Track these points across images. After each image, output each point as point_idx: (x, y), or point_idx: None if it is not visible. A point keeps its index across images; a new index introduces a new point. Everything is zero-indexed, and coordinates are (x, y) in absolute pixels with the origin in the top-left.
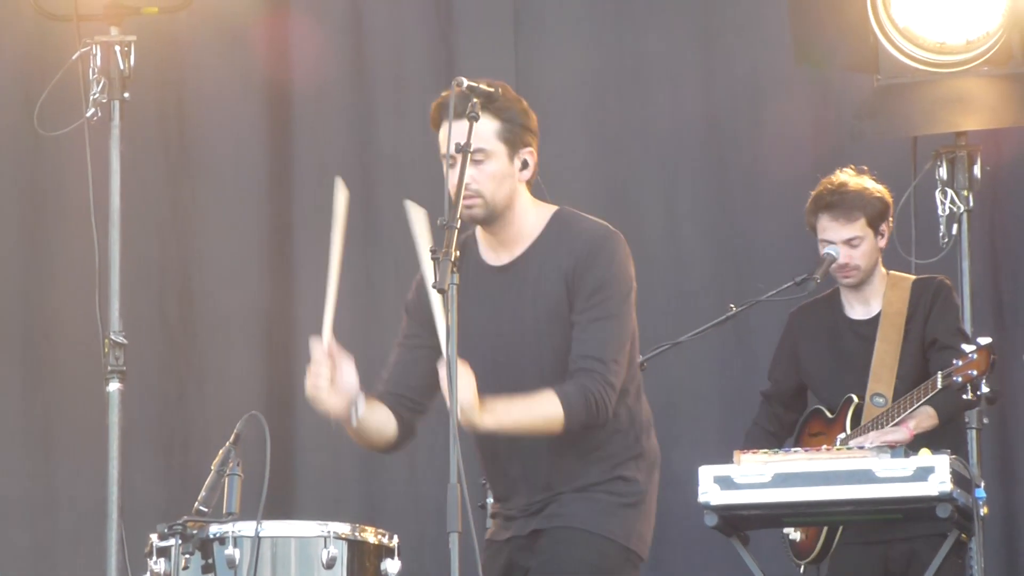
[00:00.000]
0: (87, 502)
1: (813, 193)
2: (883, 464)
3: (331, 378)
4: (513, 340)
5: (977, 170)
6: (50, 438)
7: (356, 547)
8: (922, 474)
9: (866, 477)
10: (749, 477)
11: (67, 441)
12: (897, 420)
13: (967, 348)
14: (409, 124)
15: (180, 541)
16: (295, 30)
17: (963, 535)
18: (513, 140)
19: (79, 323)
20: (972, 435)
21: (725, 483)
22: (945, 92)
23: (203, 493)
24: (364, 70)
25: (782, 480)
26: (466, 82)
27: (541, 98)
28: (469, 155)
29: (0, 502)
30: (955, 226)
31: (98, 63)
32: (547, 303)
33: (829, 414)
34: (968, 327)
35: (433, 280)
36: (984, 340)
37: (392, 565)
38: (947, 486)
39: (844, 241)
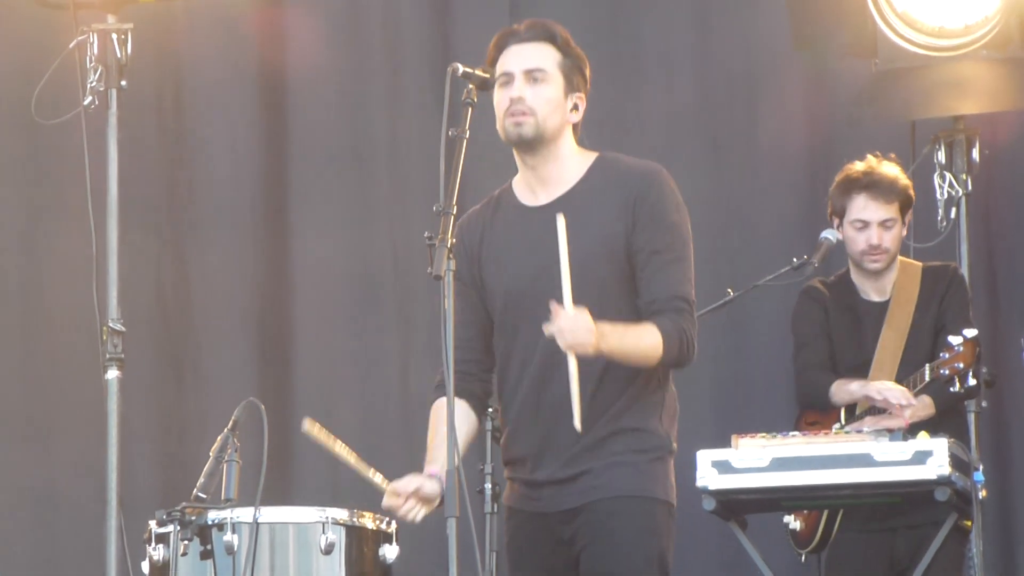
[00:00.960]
0: (86, 489)
1: (840, 177)
2: (881, 448)
3: (416, 504)
4: (555, 276)
5: (976, 154)
6: (48, 426)
7: (354, 532)
8: (920, 457)
9: (864, 461)
10: (747, 461)
11: (65, 429)
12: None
13: (954, 341)
14: (404, 112)
15: (179, 527)
16: (291, 18)
17: (966, 522)
18: (570, 77)
19: (76, 311)
20: (970, 418)
21: (723, 467)
22: (943, 76)
23: (201, 479)
24: (359, 58)
25: (780, 464)
26: (461, 68)
27: None
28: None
29: (0, 490)
30: (953, 210)
31: (95, 51)
32: (598, 236)
33: None
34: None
35: (429, 266)
36: (970, 332)
37: (390, 550)
38: (945, 469)
39: (880, 222)
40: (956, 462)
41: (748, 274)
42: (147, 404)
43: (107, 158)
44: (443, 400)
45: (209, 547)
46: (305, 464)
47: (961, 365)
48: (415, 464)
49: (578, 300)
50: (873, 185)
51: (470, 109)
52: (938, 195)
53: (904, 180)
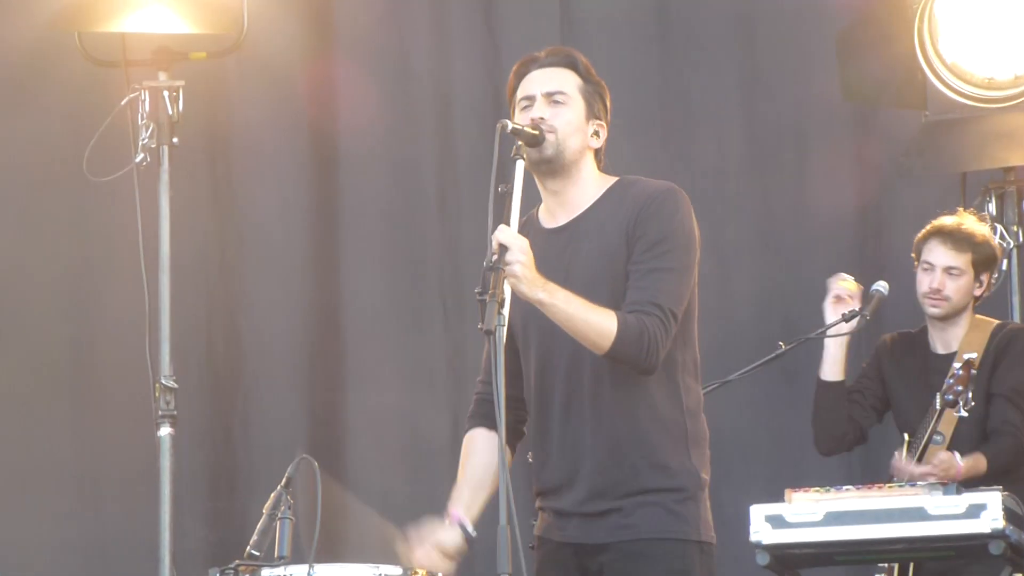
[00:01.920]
0: (137, 546)
1: (934, 221)
2: (935, 501)
3: (442, 555)
4: None
5: None
6: (101, 482)
7: None
8: (974, 511)
9: (918, 515)
10: (801, 516)
11: (117, 485)
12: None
13: (956, 366)
14: (456, 166)
15: None
16: (341, 74)
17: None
18: (591, 103)
19: (128, 367)
20: None
21: (776, 522)
22: (994, 127)
23: (255, 537)
24: (410, 112)
25: (834, 519)
26: (511, 124)
27: None
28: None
29: (52, 547)
30: (1005, 262)
31: (146, 108)
32: (603, 256)
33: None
34: None
35: (480, 322)
36: (969, 355)
37: None
38: (1000, 523)
39: (945, 268)
40: (1010, 515)
41: (800, 326)
42: (197, 460)
43: (159, 215)
44: (476, 432)
45: None
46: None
47: (960, 388)
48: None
49: None
50: (948, 233)
51: (519, 164)
52: None
53: (984, 236)
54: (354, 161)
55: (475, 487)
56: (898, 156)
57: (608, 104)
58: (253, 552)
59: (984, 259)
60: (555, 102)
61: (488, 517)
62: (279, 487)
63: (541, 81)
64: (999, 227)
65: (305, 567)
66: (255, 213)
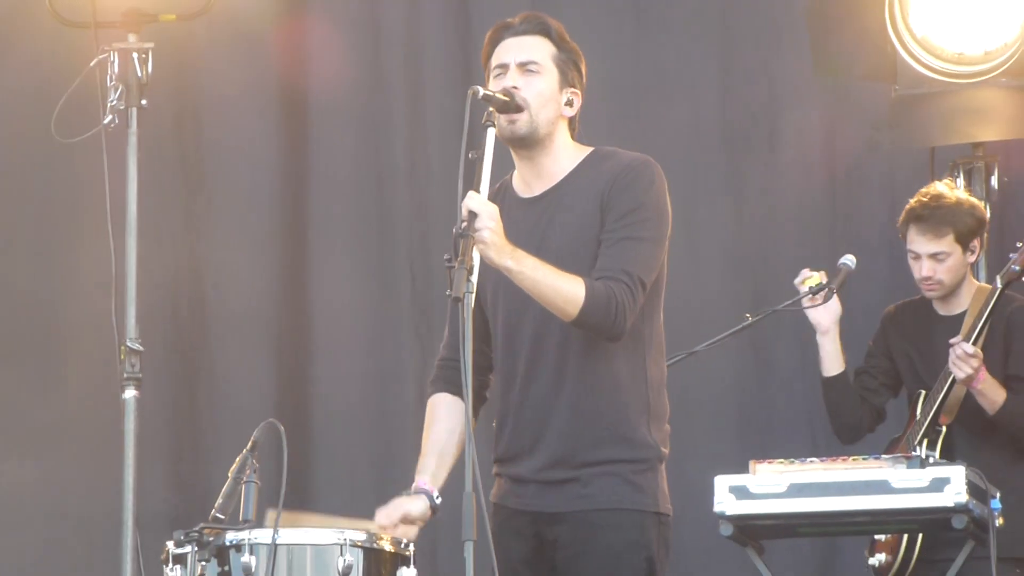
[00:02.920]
0: (102, 509)
1: (909, 203)
2: (899, 475)
3: (407, 529)
4: None
5: (995, 181)
6: (64, 444)
7: (372, 555)
8: (938, 485)
9: (882, 488)
10: (765, 487)
11: (81, 448)
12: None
13: (1020, 243)
14: (425, 131)
15: (196, 548)
16: (312, 36)
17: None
18: (565, 71)
19: (93, 329)
20: None
21: (741, 493)
22: (963, 103)
23: (220, 500)
24: (381, 77)
25: (798, 490)
26: (482, 91)
27: None
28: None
29: (14, 509)
30: None
31: (116, 70)
32: (578, 228)
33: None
34: None
35: (448, 289)
36: None
37: (408, 573)
38: (963, 497)
39: (929, 255)
40: (974, 489)
41: (768, 299)
42: (161, 423)
43: (127, 177)
44: (438, 397)
45: (227, 568)
46: (324, 486)
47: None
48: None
49: None
50: (924, 219)
51: (490, 131)
52: None
53: (967, 207)
54: (324, 125)
55: (440, 454)
56: (868, 130)
57: (583, 71)
58: (218, 515)
59: (968, 230)
60: (528, 71)
61: (453, 484)
62: (244, 451)
63: (515, 50)
64: None
65: (269, 531)
66: (223, 176)
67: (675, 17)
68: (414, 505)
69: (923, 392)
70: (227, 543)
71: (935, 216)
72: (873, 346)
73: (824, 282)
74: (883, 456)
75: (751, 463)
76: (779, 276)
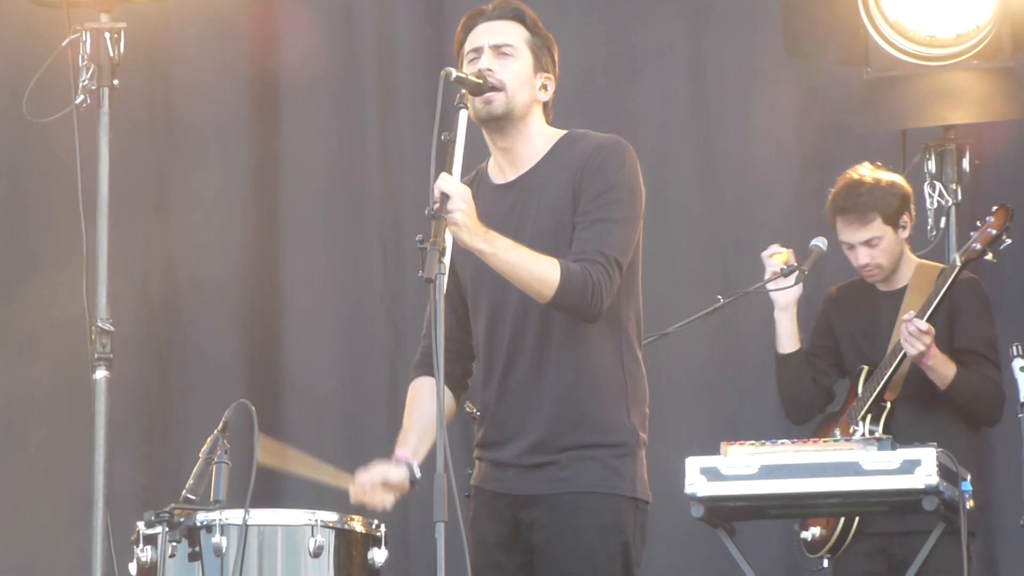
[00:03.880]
0: (71, 489)
1: (831, 192)
2: (870, 456)
3: (383, 494)
4: None
5: (966, 164)
6: (34, 424)
7: (343, 536)
8: (909, 467)
9: (852, 469)
10: (736, 469)
11: (52, 427)
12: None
13: (980, 223)
14: (397, 113)
15: (167, 529)
16: (283, 17)
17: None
18: (539, 56)
19: (64, 309)
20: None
21: (712, 474)
22: (934, 85)
23: (191, 481)
24: (353, 58)
25: (768, 472)
26: (455, 73)
27: None
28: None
29: None
30: (943, 219)
31: (87, 50)
32: (552, 212)
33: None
34: None
35: (421, 270)
36: (996, 206)
37: (379, 554)
38: (933, 479)
39: (862, 243)
40: (944, 472)
41: (739, 281)
42: (133, 404)
43: (98, 157)
44: (421, 380)
45: (197, 549)
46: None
47: (993, 231)
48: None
49: None
50: (847, 209)
51: (462, 113)
52: (928, 204)
53: (888, 187)
54: (295, 106)
55: (421, 432)
56: (839, 113)
57: (556, 58)
58: (189, 496)
59: (893, 210)
60: (503, 54)
61: (426, 466)
62: (216, 431)
63: (488, 33)
64: (938, 185)
65: (240, 511)
66: (195, 156)
67: (647, 0)
68: (394, 472)
69: (865, 368)
70: (198, 523)
71: (857, 204)
72: (817, 327)
73: (792, 261)
74: (854, 439)
75: (722, 444)
76: (750, 258)
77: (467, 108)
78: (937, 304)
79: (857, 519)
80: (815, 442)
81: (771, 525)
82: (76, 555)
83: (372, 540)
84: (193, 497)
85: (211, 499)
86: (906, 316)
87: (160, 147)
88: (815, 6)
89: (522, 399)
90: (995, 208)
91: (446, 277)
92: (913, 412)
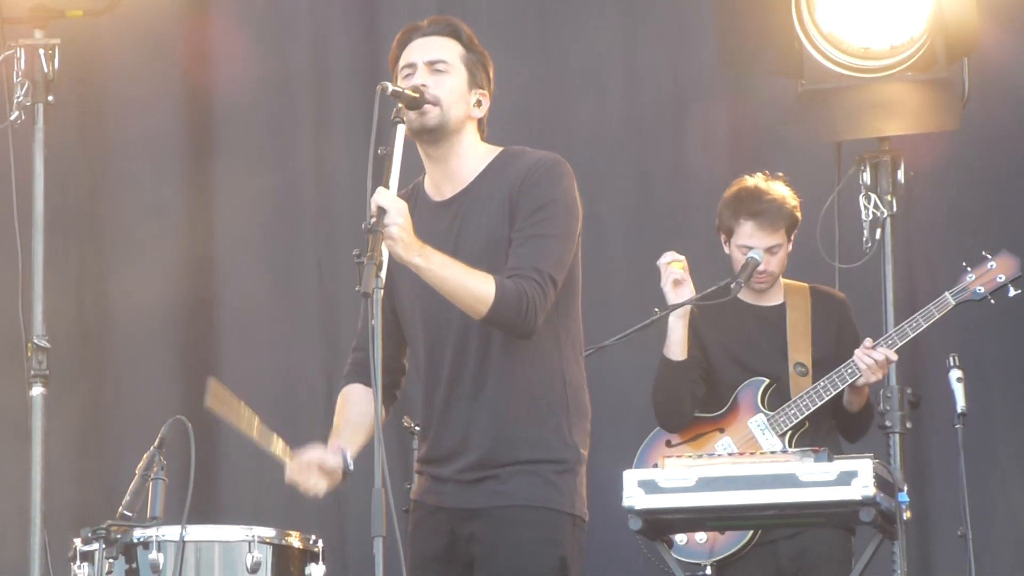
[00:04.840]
0: (9, 506)
1: (729, 195)
2: (806, 468)
3: (317, 475)
4: None
5: (901, 175)
6: None
7: (281, 551)
8: (846, 478)
9: (790, 481)
10: (673, 481)
11: None
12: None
13: (984, 258)
14: (332, 127)
15: (104, 545)
16: (216, 34)
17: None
18: (474, 72)
19: (0, 327)
20: (895, 439)
21: (649, 487)
22: (869, 97)
23: (127, 497)
24: (286, 74)
25: (706, 484)
26: (391, 87)
27: None
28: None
29: None
30: (878, 231)
31: (22, 66)
32: (489, 229)
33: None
34: (891, 330)
35: (357, 284)
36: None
37: (317, 570)
38: (870, 490)
39: (766, 248)
40: (881, 483)
41: None
42: (69, 420)
43: (33, 173)
44: (351, 387)
45: (135, 565)
46: (231, 482)
47: (1002, 277)
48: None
49: None
50: (761, 213)
51: (398, 127)
52: (863, 216)
53: (791, 202)
54: (229, 122)
55: (353, 430)
56: (774, 125)
57: (491, 74)
58: (125, 512)
59: (792, 223)
60: (437, 70)
61: (362, 481)
62: (152, 448)
63: (423, 49)
64: (873, 196)
65: (177, 527)
66: (129, 172)
67: (580, 11)
68: (330, 458)
69: (765, 381)
70: (135, 540)
71: (770, 210)
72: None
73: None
74: (791, 451)
75: (660, 457)
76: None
77: (403, 122)
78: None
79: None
80: (752, 455)
81: None
82: (12, 571)
83: (310, 556)
84: (130, 514)
85: (148, 515)
86: (866, 344)
87: (94, 162)
88: (750, 19)
89: (463, 418)
90: (993, 255)
91: (382, 292)
92: (821, 428)
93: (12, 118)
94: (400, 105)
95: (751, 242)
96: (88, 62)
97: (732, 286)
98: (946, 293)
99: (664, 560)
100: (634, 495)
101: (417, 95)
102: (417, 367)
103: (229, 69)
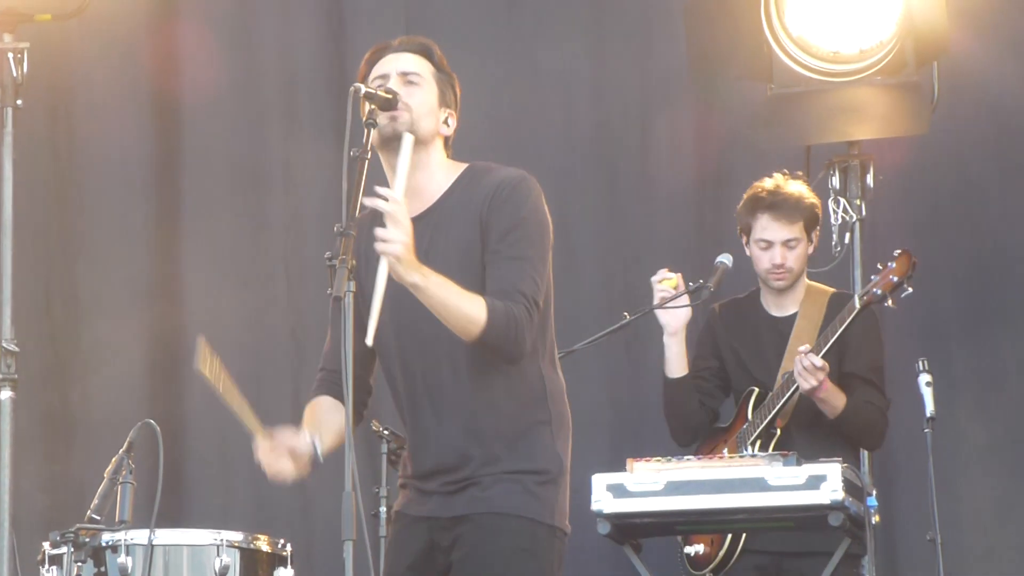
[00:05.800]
0: None
1: (748, 195)
2: (775, 472)
3: (286, 458)
4: None
5: (870, 179)
6: None
7: (249, 555)
8: (814, 483)
9: (758, 485)
10: (642, 485)
11: None
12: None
13: (881, 266)
14: (300, 131)
15: (72, 549)
16: (184, 38)
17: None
18: (444, 91)
19: None
20: None
21: (618, 491)
22: (838, 101)
23: (96, 501)
24: (254, 79)
25: (675, 488)
26: (364, 88)
27: None
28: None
29: None
30: (848, 235)
31: None
32: (459, 247)
33: (725, 423)
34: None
35: (328, 287)
36: (898, 250)
37: (285, 573)
38: (839, 495)
39: (783, 242)
40: (849, 487)
41: (643, 298)
42: (36, 424)
43: (1, 177)
44: (319, 399)
45: (103, 569)
46: (200, 487)
47: (895, 278)
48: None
49: None
50: (777, 205)
51: (371, 129)
52: (832, 220)
53: (810, 198)
54: (197, 125)
55: (323, 430)
56: (743, 129)
57: (458, 95)
58: (94, 516)
59: (813, 218)
60: (410, 82)
61: (332, 484)
62: (121, 452)
63: (395, 63)
64: (842, 200)
65: (146, 531)
66: (97, 176)
67: (550, 13)
68: (301, 444)
69: (756, 391)
70: (103, 544)
71: (788, 203)
72: (700, 347)
73: (681, 286)
74: (759, 455)
75: (628, 461)
76: (653, 273)
77: (376, 125)
78: (832, 342)
79: (744, 537)
80: (720, 458)
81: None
82: None
83: (278, 560)
84: (98, 517)
85: (116, 519)
86: (802, 348)
87: (62, 166)
88: (719, 23)
89: (444, 435)
90: (897, 253)
91: (352, 295)
92: (802, 439)
93: None
94: (373, 106)
95: (767, 235)
96: (57, 66)
97: (703, 291)
98: (855, 296)
99: (633, 565)
100: (602, 499)
101: (390, 96)
102: (394, 386)
103: (197, 73)
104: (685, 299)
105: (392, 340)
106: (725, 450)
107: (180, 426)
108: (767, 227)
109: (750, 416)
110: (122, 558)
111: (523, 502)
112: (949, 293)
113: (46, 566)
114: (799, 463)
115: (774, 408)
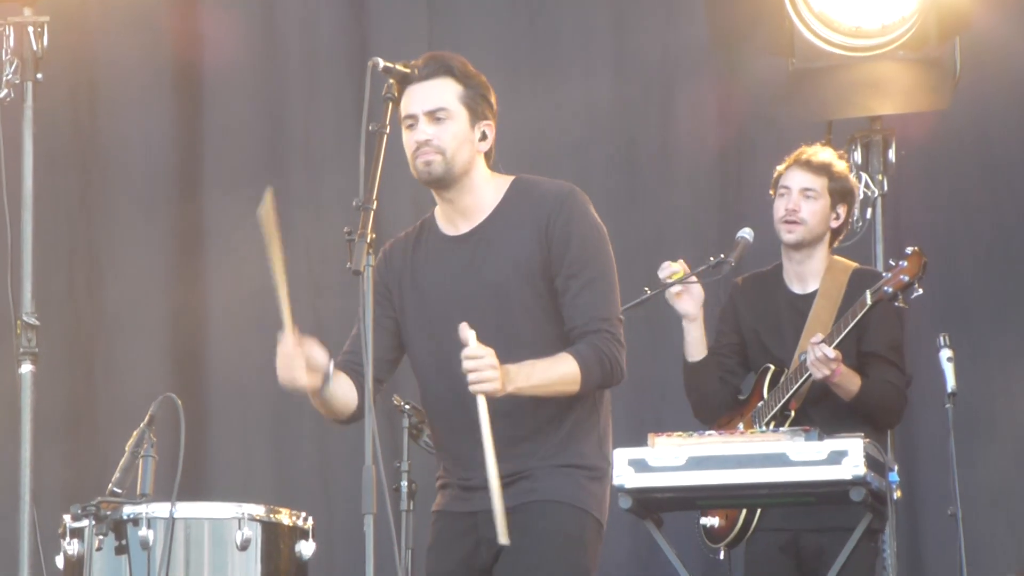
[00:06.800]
0: None
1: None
2: (797, 447)
3: (303, 362)
4: (478, 303)
5: (892, 154)
6: None
7: (271, 528)
8: (836, 458)
9: (780, 460)
10: (663, 460)
11: None
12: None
13: (893, 263)
14: (321, 106)
15: (94, 522)
16: (206, 13)
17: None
18: (475, 108)
19: None
20: None
21: (639, 466)
22: (860, 76)
23: (117, 474)
24: (275, 52)
25: (696, 463)
26: (382, 63)
27: None
28: (383, 136)
29: None
30: (869, 210)
31: (11, 44)
32: (517, 261)
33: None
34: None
35: (348, 261)
36: (911, 248)
37: (307, 547)
38: (861, 470)
39: (801, 189)
40: (871, 462)
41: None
42: (59, 398)
43: (22, 151)
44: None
45: (124, 542)
46: (221, 460)
47: (907, 277)
48: (327, 451)
49: (501, 327)
50: (806, 160)
51: (391, 104)
52: None
53: (840, 168)
54: (218, 98)
55: (345, 388)
56: (764, 104)
57: (493, 100)
58: (115, 489)
59: (840, 189)
60: (437, 119)
61: (353, 459)
62: (142, 425)
63: (421, 98)
64: (864, 176)
65: (167, 504)
66: (118, 150)
67: None
68: (318, 354)
69: (772, 368)
70: (124, 517)
71: (818, 160)
72: (722, 323)
73: (685, 269)
74: (781, 430)
75: (650, 436)
76: (673, 248)
77: (395, 99)
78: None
79: (758, 514)
80: (742, 433)
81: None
82: (2, 548)
83: (299, 532)
84: (120, 491)
85: (138, 492)
86: (813, 340)
87: (84, 140)
88: None
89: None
90: (909, 251)
91: (372, 269)
92: (820, 415)
93: (1, 96)
94: (392, 81)
95: (786, 181)
96: (77, 39)
97: (724, 265)
98: (867, 292)
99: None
100: (624, 474)
101: (408, 70)
102: (426, 385)
103: (218, 46)
104: (711, 273)
105: (432, 347)
106: (740, 424)
107: (202, 400)
108: (790, 175)
109: (765, 395)
110: (143, 531)
111: (574, 493)
112: (970, 268)
113: (67, 539)
114: (821, 438)
115: (788, 392)
